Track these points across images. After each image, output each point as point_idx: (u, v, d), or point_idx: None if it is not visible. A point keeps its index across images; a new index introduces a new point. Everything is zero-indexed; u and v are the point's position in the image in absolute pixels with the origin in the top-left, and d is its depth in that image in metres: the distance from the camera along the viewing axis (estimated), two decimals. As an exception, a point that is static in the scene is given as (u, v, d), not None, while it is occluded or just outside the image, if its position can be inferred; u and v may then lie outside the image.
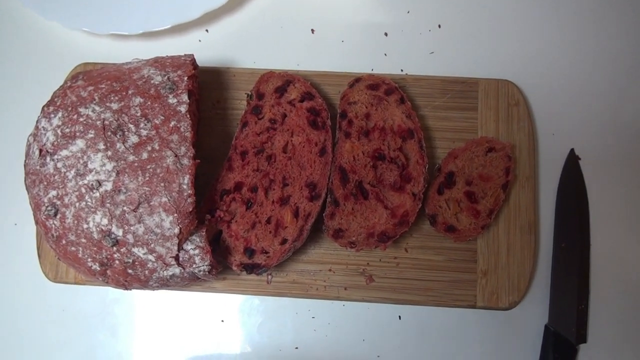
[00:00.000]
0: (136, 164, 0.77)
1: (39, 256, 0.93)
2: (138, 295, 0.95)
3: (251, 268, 0.84)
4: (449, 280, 0.90)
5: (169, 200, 0.76)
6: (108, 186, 0.77)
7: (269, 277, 0.91)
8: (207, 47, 1.04)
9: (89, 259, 0.78)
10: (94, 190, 0.76)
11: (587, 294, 0.91)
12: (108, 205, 0.76)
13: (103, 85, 0.82)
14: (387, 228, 0.85)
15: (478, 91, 0.96)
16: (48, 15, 1.00)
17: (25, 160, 0.83)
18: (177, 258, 0.78)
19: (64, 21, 1.00)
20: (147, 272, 0.79)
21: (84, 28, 1.00)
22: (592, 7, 1.04)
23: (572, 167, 0.95)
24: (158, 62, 0.86)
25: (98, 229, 0.77)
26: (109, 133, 0.78)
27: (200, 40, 1.05)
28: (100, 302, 0.95)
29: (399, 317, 0.93)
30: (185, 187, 0.77)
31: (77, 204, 0.77)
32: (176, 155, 0.78)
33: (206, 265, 0.80)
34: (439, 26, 1.04)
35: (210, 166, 0.92)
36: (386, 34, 1.04)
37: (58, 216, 0.78)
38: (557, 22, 1.04)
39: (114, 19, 1.00)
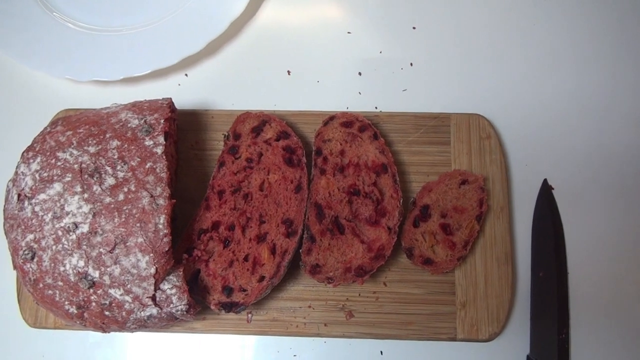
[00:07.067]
0: (112, 206, 0.78)
1: (19, 301, 0.92)
2: (118, 339, 0.94)
3: (229, 306, 0.84)
4: (429, 313, 0.90)
5: (144, 240, 0.77)
6: (84, 228, 0.77)
7: (249, 315, 0.91)
8: (187, 91, 1.07)
9: (66, 302, 0.79)
10: (71, 233, 0.77)
11: (567, 322, 0.91)
12: (84, 247, 0.77)
13: (81, 130, 0.84)
14: (364, 262, 0.86)
15: (450, 126, 0.98)
16: (32, 65, 1.03)
17: (4, 206, 0.84)
18: (154, 298, 0.78)
19: (47, 70, 1.03)
20: (124, 313, 0.79)
21: (67, 76, 1.02)
22: (558, 39, 1.08)
23: (546, 196, 0.97)
24: (136, 106, 0.89)
25: (74, 271, 0.77)
26: (86, 176, 0.80)
27: (179, 84, 1.07)
28: (80, 346, 0.94)
29: (381, 352, 0.93)
30: (161, 227, 0.78)
31: (54, 247, 0.78)
32: (152, 196, 0.79)
33: (184, 305, 0.80)
34: (411, 64, 1.07)
35: (189, 206, 0.93)
36: (360, 74, 1.07)
37: (35, 260, 0.78)
38: (524, 56, 1.07)
39: (95, 66, 1.03)
